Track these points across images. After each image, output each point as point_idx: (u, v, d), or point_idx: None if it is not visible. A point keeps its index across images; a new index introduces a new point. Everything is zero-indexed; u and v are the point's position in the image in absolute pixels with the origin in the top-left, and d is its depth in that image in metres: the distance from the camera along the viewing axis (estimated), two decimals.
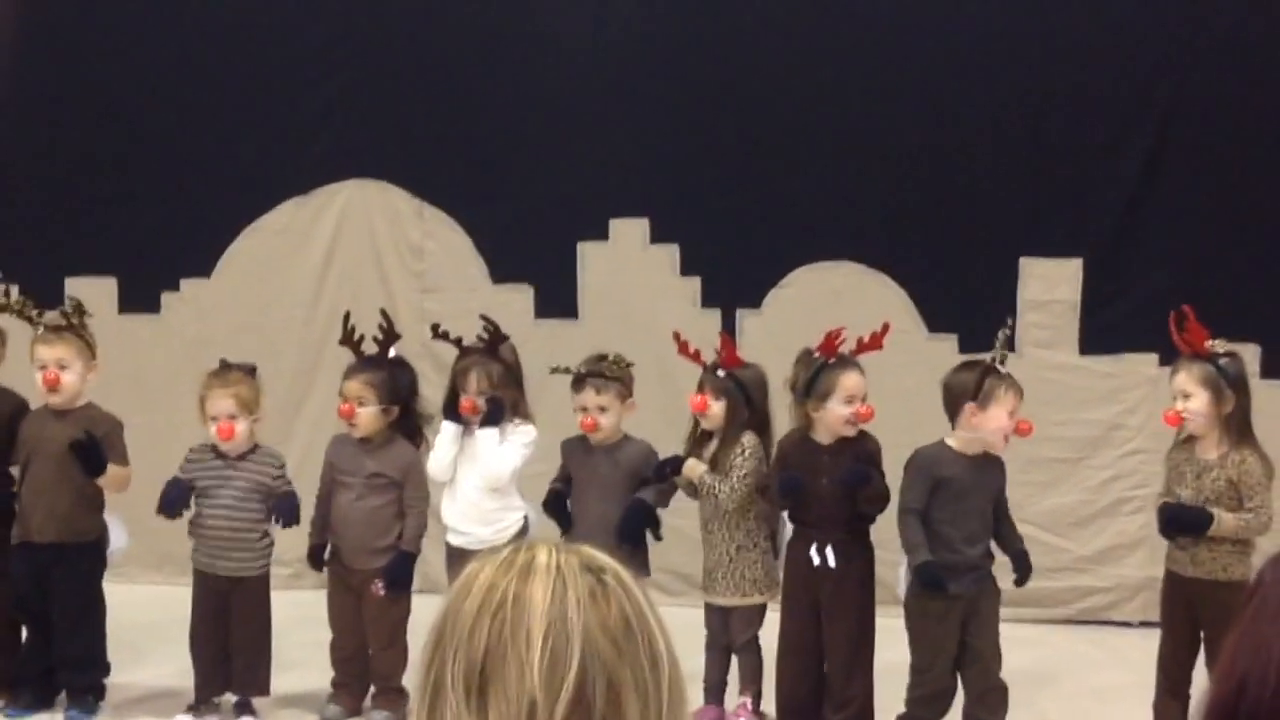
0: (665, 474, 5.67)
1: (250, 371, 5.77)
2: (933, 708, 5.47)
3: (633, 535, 5.62)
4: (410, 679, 5.74)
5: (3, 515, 5.80)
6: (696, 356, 5.78)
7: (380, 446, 5.75)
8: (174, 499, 5.67)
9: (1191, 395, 5.33)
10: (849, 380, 5.46)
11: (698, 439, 5.74)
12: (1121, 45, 6.93)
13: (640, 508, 5.66)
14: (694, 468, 5.63)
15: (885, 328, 5.66)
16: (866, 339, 5.60)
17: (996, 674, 5.45)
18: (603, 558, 1.64)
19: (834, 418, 5.47)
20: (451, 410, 5.72)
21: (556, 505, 5.79)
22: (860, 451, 5.50)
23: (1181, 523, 5.33)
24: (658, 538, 5.73)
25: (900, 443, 5.65)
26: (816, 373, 5.49)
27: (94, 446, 5.62)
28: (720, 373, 5.67)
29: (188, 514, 5.76)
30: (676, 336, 5.87)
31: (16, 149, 7.67)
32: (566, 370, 5.75)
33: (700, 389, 5.67)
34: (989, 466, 5.48)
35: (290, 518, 5.68)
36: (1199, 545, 5.33)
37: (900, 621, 5.56)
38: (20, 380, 5.93)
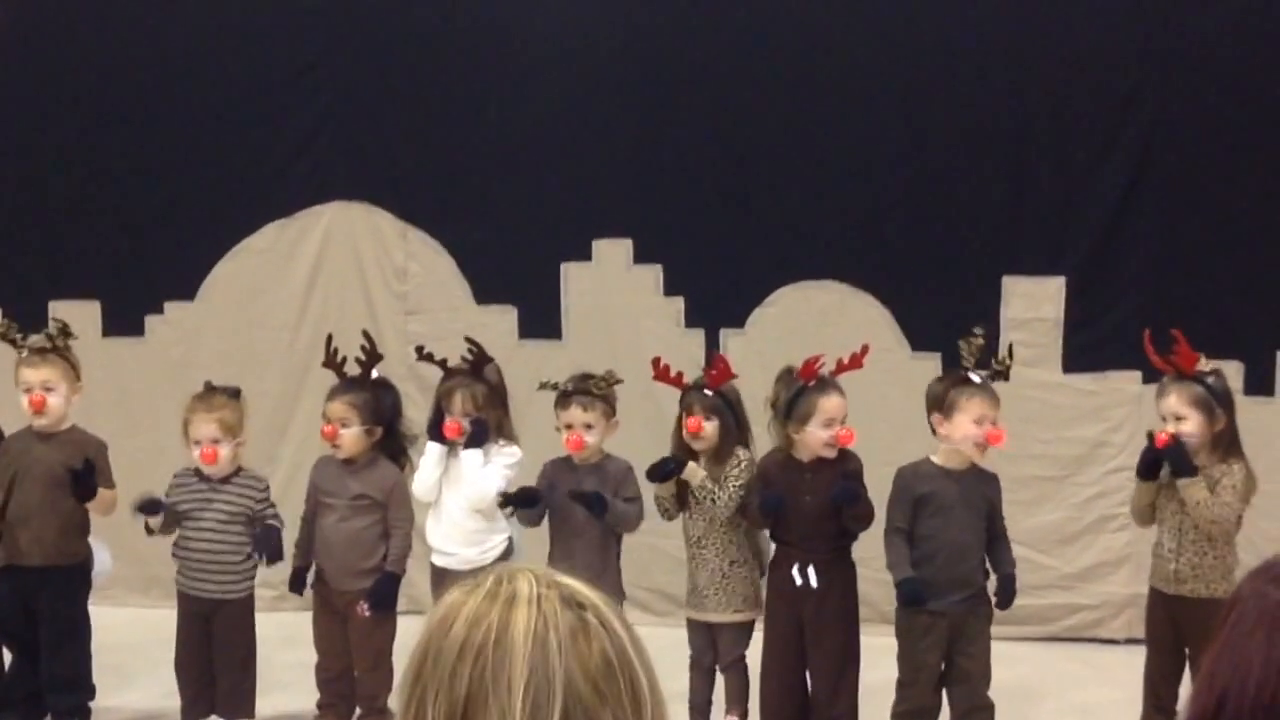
0: (669, 470, 5.59)
1: (234, 394, 5.75)
2: None
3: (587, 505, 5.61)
4: (394, 702, 5.75)
5: None
6: (678, 380, 5.76)
7: (364, 468, 5.74)
8: (151, 506, 5.66)
9: (1185, 418, 5.34)
10: (829, 403, 5.47)
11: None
12: (1102, 65, 6.95)
13: (594, 496, 5.59)
14: (694, 471, 5.60)
15: (865, 349, 5.67)
16: (846, 359, 5.61)
17: (983, 694, 5.45)
18: (585, 591, 1.62)
19: (814, 440, 5.47)
20: (436, 431, 5.72)
21: (529, 495, 5.69)
22: (843, 470, 5.51)
23: (1175, 456, 5.31)
24: (598, 516, 5.64)
25: (884, 461, 5.66)
26: (796, 395, 5.49)
27: (90, 473, 5.63)
28: (708, 392, 5.66)
29: (172, 537, 5.75)
30: (655, 363, 5.84)
31: None
32: (554, 386, 5.74)
33: (690, 411, 5.65)
34: (977, 481, 5.47)
35: (272, 554, 5.65)
36: (1181, 561, 5.35)
37: (884, 640, 5.58)
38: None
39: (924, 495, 5.44)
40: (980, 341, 5.55)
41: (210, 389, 5.75)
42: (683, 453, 5.66)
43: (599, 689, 1.54)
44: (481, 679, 1.53)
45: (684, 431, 5.63)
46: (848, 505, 5.42)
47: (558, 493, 5.71)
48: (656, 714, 1.59)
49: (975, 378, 5.44)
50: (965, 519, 5.42)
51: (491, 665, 1.53)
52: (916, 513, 5.45)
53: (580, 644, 1.55)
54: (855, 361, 5.61)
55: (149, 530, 5.70)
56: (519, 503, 5.68)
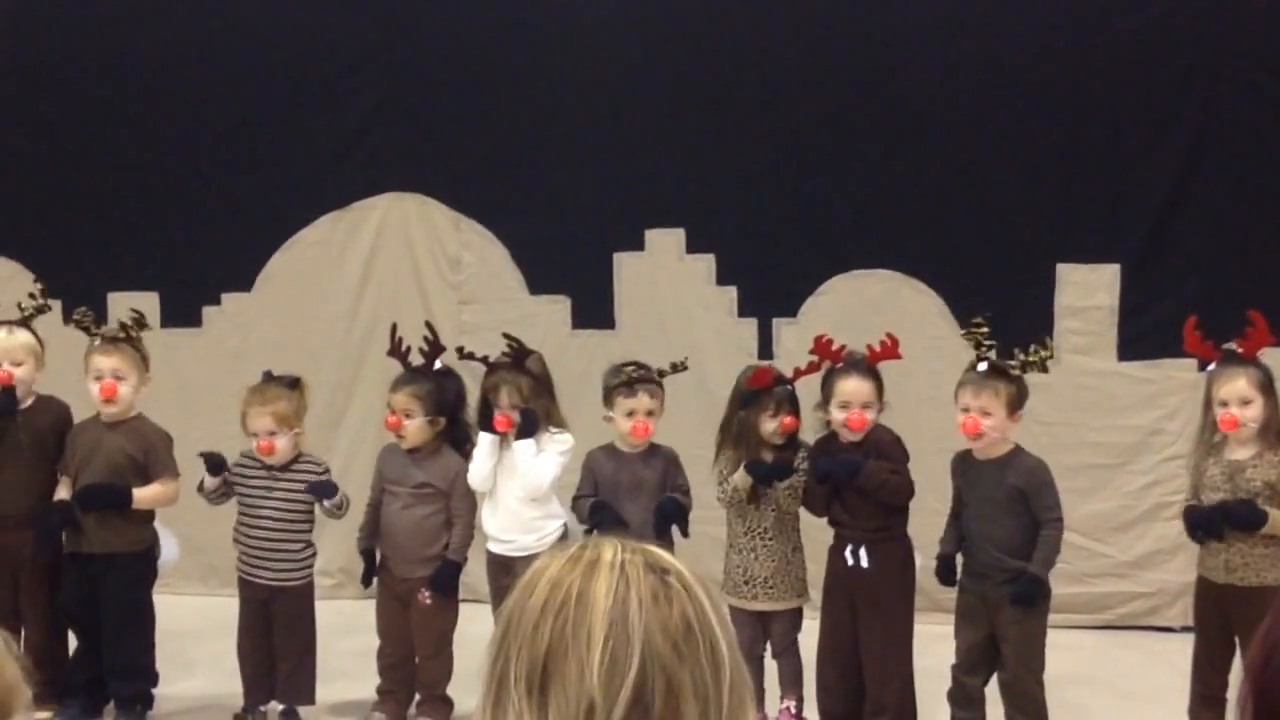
0: (780, 475, 5.60)
1: (293, 384, 5.80)
2: (963, 708, 5.51)
3: (665, 532, 5.67)
4: (453, 687, 5.81)
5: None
6: (771, 382, 5.71)
7: (428, 457, 5.80)
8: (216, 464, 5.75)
9: (1252, 401, 5.29)
10: (845, 386, 5.51)
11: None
12: (1155, 51, 6.92)
13: (672, 504, 5.70)
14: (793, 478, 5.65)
15: (894, 341, 5.63)
16: (879, 347, 5.61)
17: (1029, 682, 5.41)
18: (667, 558, 1.65)
19: (834, 422, 5.52)
20: (486, 423, 5.76)
21: (605, 511, 5.71)
22: (874, 445, 5.52)
23: (1236, 520, 5.24)
24: (685, 534, 5.73)
25: (936, 449, 5.68)
26: (825, 377, 5.58)
27: (103, 491, 5.69)
28: (789, 389, 5.68)
29: (219, 513, 5.81)
30: (760, 372, 5.76)
31: (59, 166, 7.75)
32: (630, 375, 5.72)
33: (779, 409, 5.63)
34: (998, 469, 5.43)
35: (328, 493, 5.70)
36: (1231, 550, 5.31)
37: (938, 628, 5.61)
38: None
39: (960, 484, 5.53)
40: (984, 330, 5.53)
41: (269, 379, 5.80)
42: (750, 448, 5.67)
43: (678, 648, 1.57)
44: (562, 633, 1.57)
45: (772, 429, 5.60)
46: (848, 479, 5.44)
47: (608, 483, 5.77)
48: (735, 677, 1.61)
49: (982, 366, 5.42)
50: (985, 510, 5.42)
51: (573, 620, 1.57)
52: (961, 499, 5.54)
53: (661, 604, 1.58)
54: (887, 351, 5.61)
55: (201, 487, 5.77)
56: (607, 515, 5.72)
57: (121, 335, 5.80)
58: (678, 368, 5.81)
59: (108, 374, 5.74)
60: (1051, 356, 5.58)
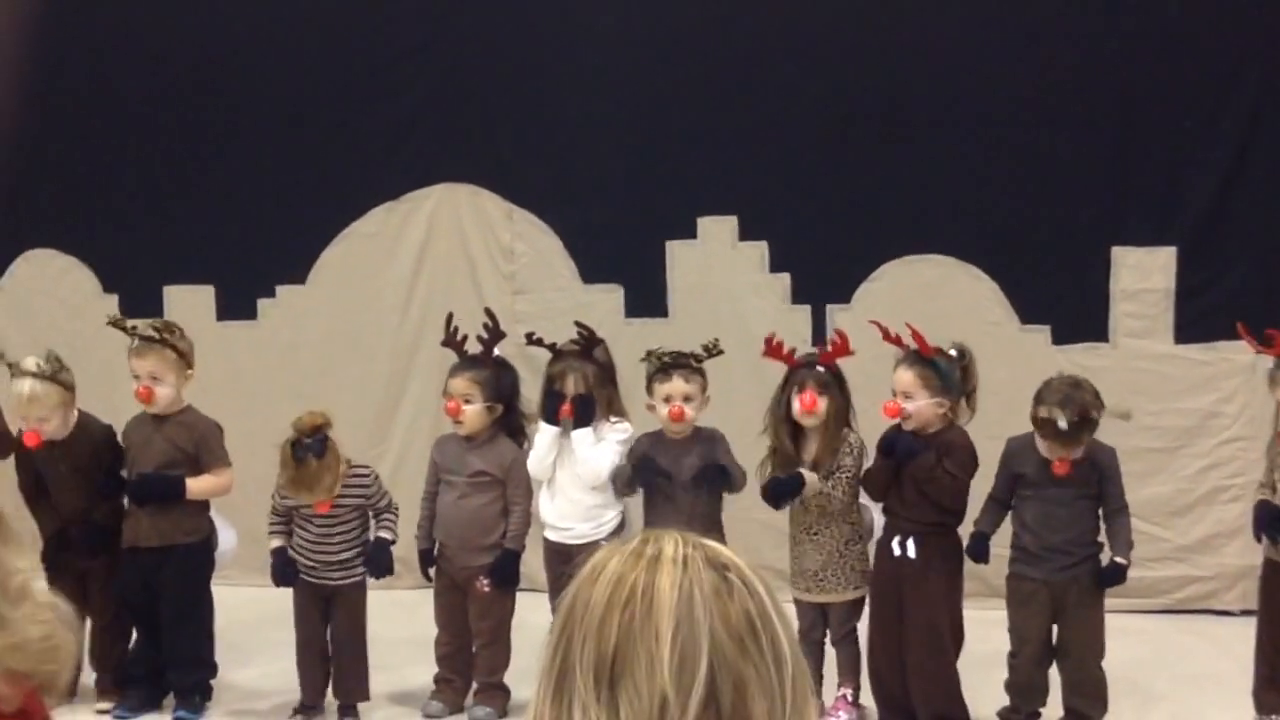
0: (791, 491, 5.61)
1: (319, 454, 5.57)
2: (1024, 698, 5.48)
3: (716, 494, 5.73)
4: (511, 676, 5.82)
5: (113, 523, 5.92)
6: (790, 357, 5.75)
7: (484, 444, 5.81)
8: (283, 572, 5.75)
9: None
10: (895, 375, 5.50)
11: (789, 438, 5.71)
12: (1211, 32, 6.87)
13: (714, 468, 5.71)
14: (812, 484, 5.60)
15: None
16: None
17: (1093, 666, 5.41)
18: (726, 553, 1.65)
19: None
20: (549, 413, 5.77)
21: (645, 465, 5.72)
22: (941, 443, 5.48)
23: None
24: (732, 490, 5.75)
25: (993, 434, 5.63)
26: None
27: (158, 481, 5.74)
28: (820, 368, 5.66)
29: None
30: (769, 341, 5.83)
31: (114, 161, 7.81)
32: (660, 359, 5.74)
33: (802, 387, 5.63)
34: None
35: (381, 572, 5.72)
36: None
37: (993, 614, 5.58)
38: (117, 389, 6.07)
39: (1021, 474, 5.45)
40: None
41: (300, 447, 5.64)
42: (785, 429, 5.66)
43: (742, 645, 1.57)
44: (629, 629, 1.57)
45: (796, 409, 5.61)
46: (905, 460, 5.42)
47: (652, 469, 5.76)
48: (796, 673, 1.61)
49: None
50: (1059, 492, 5.38)
51: (639, 616, 1.57)
52: (1017, 483, 5.46)
53: (724, 601, 1.58)
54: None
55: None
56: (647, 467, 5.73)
57: (155, 337, 5.83)
58: (711, 351, 5.79)
59: (144, 377, 5.78)
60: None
